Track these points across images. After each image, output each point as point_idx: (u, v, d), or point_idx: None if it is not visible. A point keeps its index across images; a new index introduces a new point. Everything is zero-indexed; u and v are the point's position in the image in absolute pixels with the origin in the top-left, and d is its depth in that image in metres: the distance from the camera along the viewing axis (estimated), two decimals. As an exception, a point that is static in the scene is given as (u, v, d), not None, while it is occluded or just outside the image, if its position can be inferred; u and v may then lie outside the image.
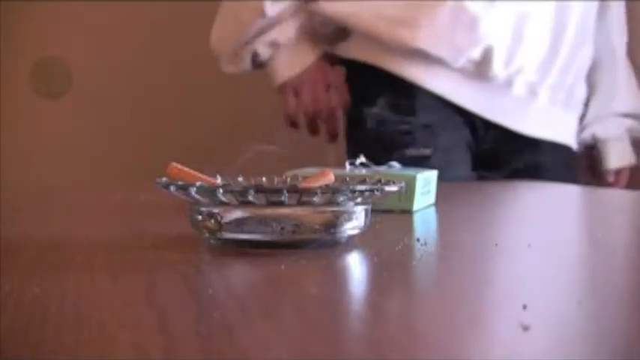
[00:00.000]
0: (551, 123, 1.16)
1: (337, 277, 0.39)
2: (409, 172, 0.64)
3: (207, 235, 0.43)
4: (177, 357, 0.24)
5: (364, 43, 1.10)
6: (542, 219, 0.69)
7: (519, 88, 1.11)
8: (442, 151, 1.07)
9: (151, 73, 1.64)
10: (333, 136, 1.18)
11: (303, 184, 0.47)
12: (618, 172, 1.23)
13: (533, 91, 1.12)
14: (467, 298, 0.34)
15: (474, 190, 0.97)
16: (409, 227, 0.57)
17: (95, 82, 1.70)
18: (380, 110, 1.08)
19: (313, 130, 1.19)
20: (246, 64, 1.16)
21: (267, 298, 0.33)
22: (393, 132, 1.08)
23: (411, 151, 1.06)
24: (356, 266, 0.42)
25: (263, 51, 1.13)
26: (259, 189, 0.41)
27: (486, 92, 1.11)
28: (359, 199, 0.43)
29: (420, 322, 0.29)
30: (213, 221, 0.42)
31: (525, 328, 0.26)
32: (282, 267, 0.38)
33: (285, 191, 0.40)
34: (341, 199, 0.42)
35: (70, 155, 2.15)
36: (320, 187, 0.43)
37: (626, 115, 1.23)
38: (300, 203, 0.41)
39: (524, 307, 0.29)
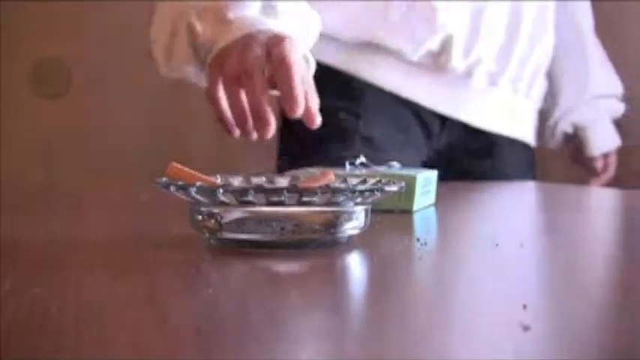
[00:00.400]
0: (511, 117, 1.11)
1: (337, 277, 0.39)
2: (409, 172, 0.64)
3: (207, 235, 0.43)
4: (177, 357, 0.24)
5: None
6: (542, 219, 0.69)
7: (479, 79, 1.05)
8: (385, 152, 0.98)
9: (150, 73, 1.64)
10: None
11: (303, 184, 0.47)
12: (605, 157, 1.19)
13: (493, 82, 1.06)
14: (467, 298, 0.34)
15: (475, 190, 0.97)
16: (409, 227, 0.57)
17: (95, 82, 1.70)
18: (324, 107, 1.00)
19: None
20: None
21: (267, 298, 0.33)
22: (334, 132, 0.99)
23: (349, 153, 0.98)
24: (356, 266, 0.42)
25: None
26: (259, 189, 0.41)
27: (443, 86, 1.04)
28: (359, 199, 0.43)
29: (420, 322, 0.29)
30: (213, 221, 0.42)
31: (525, 328, 0.26)
32: (282, 267, 0.38)
33: (285, 191, 0.40)
34: (341, 199, 0.42)
35: (69, 155, 2.15)
36: (320, 187, 0.43)
37: (603, 97, 1.18)
38: (300, 203, 0.41)
39: (525, 307, 0.29)
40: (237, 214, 0.42)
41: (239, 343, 0.26)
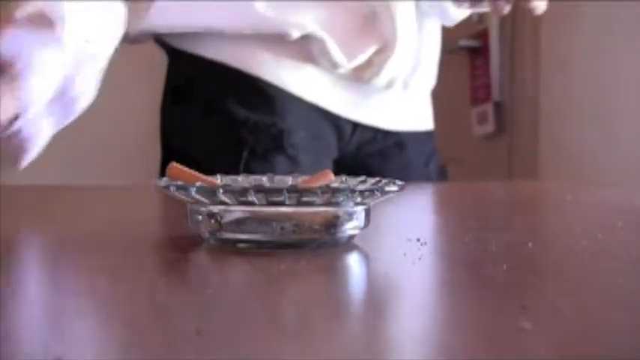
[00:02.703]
0: (416, 112, 1.10)
1: (337, 277, 0.39)
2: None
3: (207, 235, 0.43)
4: (177, 357, 0.24)
5: (212, 39, 0.95)
6: (542, 218, 0.69)
7: (397, 87, 1.03)
8: (296, 158, 0.96)
9: (150, 73, 1.64)
10: None
11: (303, 184, 0.47)
12: None
13: (405, 86, 1.04)
14: (467, 298, 0.34)
15: (475, 190, 0.97)
16: (409, 227, 0.57)
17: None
18: (232, 110, 0.94)
19: None
20: None
21: (267, 298, 0.33)
22: (241, 137, 0.94)
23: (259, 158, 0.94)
24: (356, 266, 0.42)
25: None
26: (259, 189, 0.41)
27: (359, 94, 1.02)
28: (359, 199, 0.43)
29: (420, 322, 0.29)
30: (213, 221, 0.42)
31: (525, 328, 0.26)
32: (282, 267, 0.38)
33: (285, 191, 0.40)
34: (341, 199, 0.42)
35: (69, 155, 2.15)
36: (320, 187, 0.43)
37: None
38: (300, 203, 0.41)
39: (524, 307, 0.29)
40: (237, 214, 0.42)
41: (239, 343, 0.26)
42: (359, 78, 0.99)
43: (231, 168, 0.88)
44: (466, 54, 1.96)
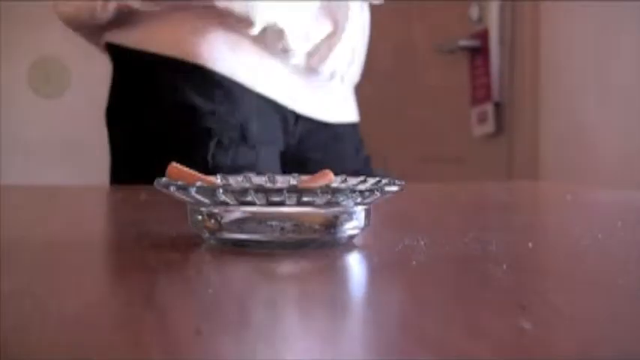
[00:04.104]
0: (347, 104, 1.12)
1: (337, 277, 0.39)
2: None
3: (207, 235, 0.43)
4: (177, 357, 0.24)
5: (165, 32, 0.94)
6: (542, 218, 0.69)
7: (336, 80, 1.05)
8: (257, 149, 0.97)
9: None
10: None
11: (303, 184, 0.47)
12: None
13: (342, 80, 1.07)
14: (467, 298, 0.34)
15: (474, 190, 0.97)
16: (409, 227, 0.57)
17: (94, 81, 1.70)
18: (196, 103, 0.93)
19: None
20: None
21: (267, 298, 0.33)
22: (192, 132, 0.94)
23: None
24: (356, 266, 0.42)
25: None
26: (259, 189, 0.41)
27: (306, 87, 1.03)
28: (359, 199, 0.43)
29: (420, 322, 0.29)
30: (213, 221, 0.42)
31: (525, 328, 0.26)
32: (282, 267, 0.38)
33: (285, 191, 0.40)
34: (341, 199, 0.42)
35: (69, 155, 2.15)
36: (320, 187, 0.43)
37: None
38: (300, 203, 0.41)
39: (524, 307, 0.29)
40: (237, 214, 0.42)
41: (239, 343, 0.26)
42: (309, 65, 1.00)
43: (199, 160, 0.91)
44: (466, 54, 1.96)
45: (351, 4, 1.03)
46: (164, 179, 0.44)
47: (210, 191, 0.41)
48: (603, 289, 0.35)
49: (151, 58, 0.95)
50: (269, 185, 0.50)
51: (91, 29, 1.01)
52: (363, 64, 1.14)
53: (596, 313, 0.30)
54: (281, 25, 0.95)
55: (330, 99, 1.07)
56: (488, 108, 1.91)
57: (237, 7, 0.92)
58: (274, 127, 1.01)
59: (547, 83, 1.82)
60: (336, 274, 0.40)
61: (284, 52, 0.97)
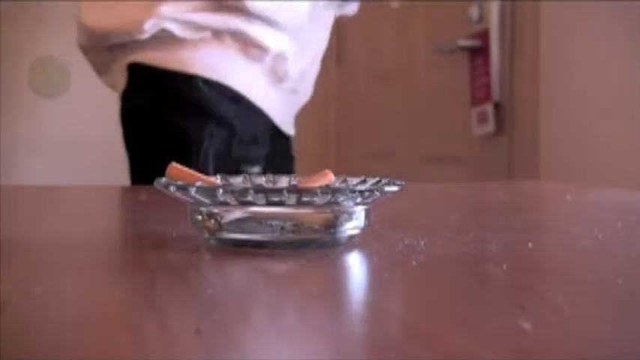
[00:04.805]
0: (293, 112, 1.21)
1: (337, 277, 0.39)
2: None
3: (207, 235, 0.43)
4: (177, 357, 0.24)
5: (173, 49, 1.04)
6: (542, 218, 0.69)
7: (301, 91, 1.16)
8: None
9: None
10: None
11: (303, 184, 0.47)
12: None
13: (294, 92, 1.15)
14: (467, 298, 0.34)
15: (474, 190, 0.97)
16: (409, 227, 0.57)
17: (94, 81, 1.70)
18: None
19: None
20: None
21: (267, 298, 0.33)
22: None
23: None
24: (356, 266, 0.42)
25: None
26: (259, 189, 0.41)
27: (281, 98, 1.12)
28: (359, 199, 0.43)
29: (420, 322, 0.29)
30: (213, 221, 0.42)
31: (525, 328, 0.26)
32: (282, 267, 0.38)
33: (285, 191, 0.40)
34: (341, 199, 0.42)
35: (69, 155, 2.15)
36: (320, 187, 0.43)
37: None
38: (300, 203, 0.41)
39: (524, 307, 0.29)
40: (237, 214, 0.42)
41: (239, 343, 0.26)
42: (294, 88, 1.12)
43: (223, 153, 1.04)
44: (466, 54, 1.96)
45: (320, 31, 1.13)
46: (164, 179, 0.44)
47: (210, 191, 0.41)
48: (603, 289, 0.35)
49: (184, 76, 1.05)
50: (269, 185, 0.50)
51: (109, 48, 1.08)
52: (312, 85, 1.23)
53: (596, 313, 0.30)
54: (285, 52, 1.06)
55: (294, 114, 1.19)
56: (488, 108, 1.91)
57: (254, 34, 1.04)
58: (266, 141, 1.12)
59: (547, 83, 1.82)
60: (336, 274, 0.40)
61: (285, 77, 1.08)
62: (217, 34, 1.03)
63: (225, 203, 0.42)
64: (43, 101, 2.18)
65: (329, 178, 0.47)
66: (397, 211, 0.63)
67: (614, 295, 0.34)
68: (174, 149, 1.03)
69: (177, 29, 1.02)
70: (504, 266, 0.40)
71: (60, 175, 2.08)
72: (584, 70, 1.74)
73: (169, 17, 1.01)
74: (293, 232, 0.42)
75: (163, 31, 1.02)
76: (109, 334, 0.27)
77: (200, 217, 0.43)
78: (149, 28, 1.01)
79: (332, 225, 0.43)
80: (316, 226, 0.43)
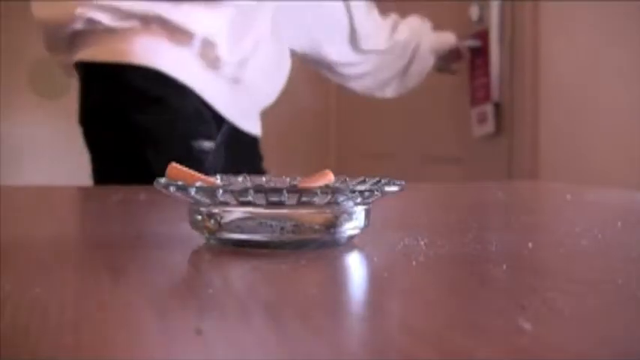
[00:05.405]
0: (258, 117, 1.25)
1: (337, 277, 0.39)
2: None
3: (207, 235, 0.43)
4: (177, 357, 0.24)
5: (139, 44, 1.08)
6: (542, 218, 0.69)
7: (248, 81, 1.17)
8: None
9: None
10: None
11: (303, 184, 0.47)
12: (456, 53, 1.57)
13: (235, 78, 1.16)
14: (467, 298, 0.34)
15: (474, 190, 0.97)
16: (409, 227, 0.57)
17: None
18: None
19: None
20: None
21: (267, 298, 0.33)
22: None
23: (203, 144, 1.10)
24: (356, 266, 0.42)
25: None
26: (259, 189, 0.41)
27: (236, 95, 1.15)
28: (359, 199, 0.43)
29: (420, 322, 0.29)
30: (213, 221, 0.42)
31: (523, 329, 0.26)
32: (282, 267, 0.38)
33: (285, 191, 0.40)
34: (341, 199, 0.42)
35: (70, 155, 2.14)
36: (320, 187, 0.43)
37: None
38: (300, 203, 0.41)
39: (524, 307, 0.29)
40: (237, 214, 0.42)
41: (239, 343, 0.25)
42: (235, 76, 1.12)
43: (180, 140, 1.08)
44: (468, 54, 1.96)
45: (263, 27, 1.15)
46: (164, 179, 0.44)
47: (210, 191, 0.41)
48: (603, 289, 0.35)
49: (121, 68, 1.08)
50: (269, 185, 0.50)
51: (60, 43, 1.13)
52: (280, 85, 1.25)
53: (596, 313, 0.30)
54: (213, 37, 1.08)
55: (247, 108, 1.21)
56: (488, 108, 1.91)
57: (179, 20, 1.07)
58: (212, 127, 1.14)
59: (547, 83, 1.82)
60: (336, 274, 0.40)
61: (217, 62, 1.10)
62: (145, 22, 1.07)
63: (225, 203, 0.42)
64: (44, 101, 2.18)
65: (329, 178, 0.47)
66: (397, 211, 0.63)
67: (614, 295, 0.34)
68: (127, 140, 1.08)
69: (106, 18, 1.06)
70: (504, 266, 0.40)
71: (60, 176, 2.08)
72: (584, 70, 1.74)
73: (97, 5, 1.05)
74: (293, 232, 0.42)
75: (94, 22, 1.06)
76: (109, 334, 0.27)
77: (200, 217, 0.43)
78: (79, 15, 1.06)
79: (332, 225, 0.43)
80: (316, 226, 0.43)
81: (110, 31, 1.07)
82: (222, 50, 1.09)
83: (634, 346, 0.26)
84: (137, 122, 1.07)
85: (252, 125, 1.22)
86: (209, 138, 1.11)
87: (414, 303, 0.33)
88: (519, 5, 1.88)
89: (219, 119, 1.14)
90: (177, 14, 1.06)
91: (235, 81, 1.13)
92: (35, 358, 0.24)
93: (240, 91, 1.15)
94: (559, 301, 0.32)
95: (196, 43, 1.08)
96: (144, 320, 0.28)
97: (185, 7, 1.07)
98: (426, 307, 0.32)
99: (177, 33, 1.07)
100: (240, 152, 1.20)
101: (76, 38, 1.10)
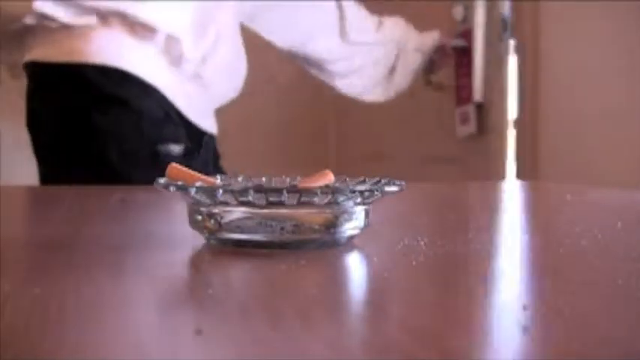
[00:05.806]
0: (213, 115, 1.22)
1: (337, 277, 0.39)
2: None
3: (207, 235, 0.43)
4: (177, 357, 0.24)
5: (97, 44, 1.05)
6: (542, 218, 0.69)
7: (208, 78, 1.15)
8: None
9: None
10: None
11: (303, 184, 0.47)
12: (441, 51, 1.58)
13: (196, 74, 1.14)
14: (467, 298, 0.34)
15: (474, 190, 0.97)
16: (409, 227, 0.57)
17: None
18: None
19: None
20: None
21: (267, 298, 0.33)
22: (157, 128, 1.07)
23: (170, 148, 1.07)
24: (356, 266, 0.42)
25: None
26: (259, 189, 0.41)
27: (190, 90, 1.13)
28: (359, 199, 0.43)
29: (420, 322, 0.29)
30: (213, 221, 0.42)
31: (525, 329, 0.26)
32: (282, 267, 0.38)
33: (285, 191, 0.40)
34: (341, 199, 0.42)
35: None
36: (320, 187, 0.43)
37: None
38: (300, 203, 0.41)
39: (525, 307, 0.29)
40: (237, 214, 0.42)
41: (239, 343, 0.25)
42: (196, 72, 1.10)
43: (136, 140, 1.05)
44: (455, 54, 1.94)
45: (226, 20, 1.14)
46: (164, 179, 0.44)
47: (210, 191, 0.41)
48: (603, 289, 0.35)
49: (79, 68, 1.04)
50: (269, 185, 0.50)
51: (6, 40, 1.09)
52: (237, 84, 1.22)
53: (596, 313, 0.30)
54: (177, 33, 1.05)
55: (205, 107, 1.18)
56: (470, 109, 1.89)
57: (142, 15, 1.03)
58: (180, 129, 1.11)
59: (547, 83, 1.82)
60: (336, 274, 0.40)
61: (180, 59, 1.07)
62: (104, 18, 1.03)
63: (225, 203, 0.42)
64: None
65: (329, 178, 0.47)
66: (397, 211, 0.63)
67: (614, 296, 0.34)
68: (86, 143, 1.04)
69: (62, 13, 1.02)
70: (504, 266, 0.40)
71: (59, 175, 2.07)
72: (584, 70, 1.75)
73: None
74: (293, 232, 0.42)
75: (47, 18, 1.02)
76: (109, 334, 0.27)
77: (200, 217, 0.43)
78: (35, 9, 1.01)
79: (332, 225, 0.43)
80: (316, 226, 0.43)
81: (65, 28, 1.02)
82: (187, 46, 1.06)
83: (634, 346, 0.26)
84: (98, 124, 1.03)
85: (209, 124, 1.19)
86: (176, 141, 1.07)
87: (414, 303, 0.33)
88: (519, 5, 1.88)
89: (186, 121, 1.11)
90: (139, 9, 1.02)
91: (196, 78, 1.10)
92: (35, 358, 0.24)
93: (198, 88, 1.12)
94: (559, 301, 0.32)
95: (160, 39, 1.04)
96: (144, 320, 0.28)
97: (148, 3, 1.03)
98: (426, 307, 0.32)
99: (139, 29, 1.03)
100: (200, 152, 1.18)
101: (26, 36, 1.06)
